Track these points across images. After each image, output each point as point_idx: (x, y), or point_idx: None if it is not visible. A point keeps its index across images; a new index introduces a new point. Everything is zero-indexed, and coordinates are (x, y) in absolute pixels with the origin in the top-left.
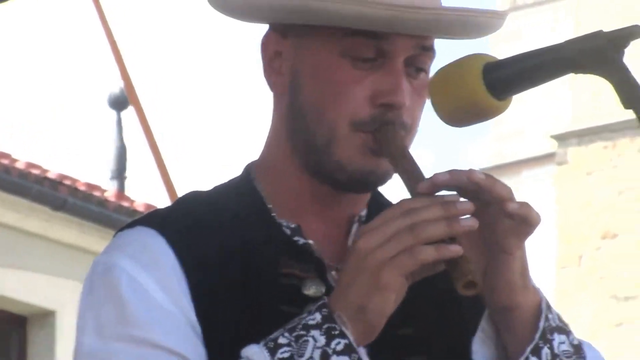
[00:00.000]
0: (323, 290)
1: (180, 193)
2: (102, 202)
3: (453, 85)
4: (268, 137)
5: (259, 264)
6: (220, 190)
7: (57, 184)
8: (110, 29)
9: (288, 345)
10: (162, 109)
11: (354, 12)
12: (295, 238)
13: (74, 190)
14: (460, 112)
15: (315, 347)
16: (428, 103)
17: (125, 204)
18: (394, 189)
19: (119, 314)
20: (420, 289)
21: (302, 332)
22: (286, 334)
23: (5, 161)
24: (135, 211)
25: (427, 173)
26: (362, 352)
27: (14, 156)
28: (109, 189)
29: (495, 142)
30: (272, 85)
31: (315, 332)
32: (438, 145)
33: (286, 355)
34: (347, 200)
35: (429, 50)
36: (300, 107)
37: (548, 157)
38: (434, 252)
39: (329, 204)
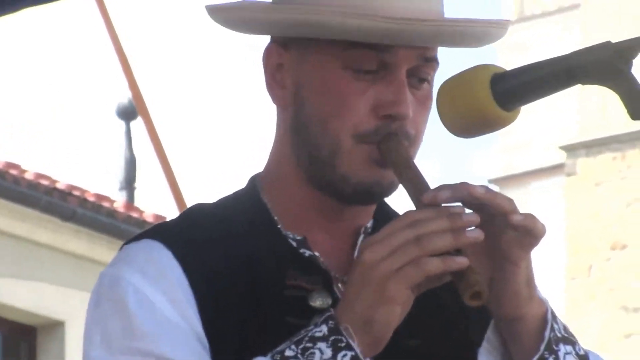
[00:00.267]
0: (330, 302)
1: (189, 204)
2: (112, 213)
3: (460, 96)
4: (272, 150)
5: (265, 276)
6: (226, 203)
7: (66, 194)
8: (118, 39)
9: (295, 357)
10: (171, 120)
11: (356, 25)
12: (302, 250)
13: (83, 201)
14: (468, 123)
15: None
16: (434, 113)
17: (135, 214)
18: (401, 200)
19: (126, 327)
20: (426, 300)
21: (309, 345)
22: (293, 347)
23: (15, 172)
24: (144, 222)
25: (433, 184)
26: None
27: (23, 167)
28: (118, 200)
29: (504, 153)
30: (275, 98)
31: (321, 345)
32: (444, 156)
33: None
34: (352, 212)
35: (431, 61)
36: (303, 120)
37: (557, 168)
38: (440, 264)
39: (335, 216)
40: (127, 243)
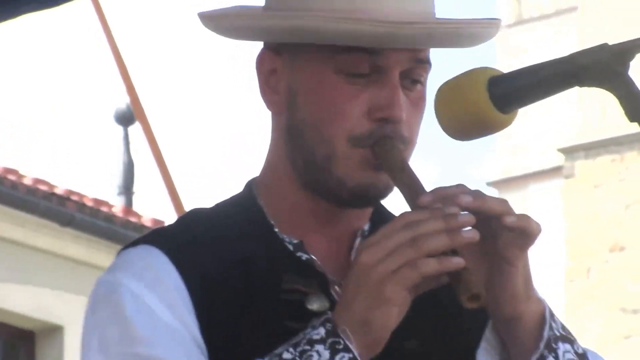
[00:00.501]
0: (327, 305)
1: (187, 208)
2: (110, 218)
3: (458, 99)
4: (268, 155)
5: (263, 280)
6: (223, 207)
7: (64, 199)
8: (116, 44)
9: None
10: (169, 124)
11: (347, 30)
12: (298, 254)
13: (81, 206)
14: (465, 126)
15: None
16: (432, 116)
17: (133, 219)
18: (398, 202)
19: (124, 333)
20: (423, 301)
21: (307, 347)
22: (290, 349)
23: (13, 177)
24: (143, 226)
25: (431, 187)
26: None
27: (21, 172)
28: (117, 205)
29: (502, 156)
30: (269, 103)
31: (319, 347)
32: (443, 159)
33: None
34: (349, 215)
35: (424, 63)
36: (297, 125)
37: (555, 171)
38: (436, 265)
39: (331, 220)
40: (124, 249)
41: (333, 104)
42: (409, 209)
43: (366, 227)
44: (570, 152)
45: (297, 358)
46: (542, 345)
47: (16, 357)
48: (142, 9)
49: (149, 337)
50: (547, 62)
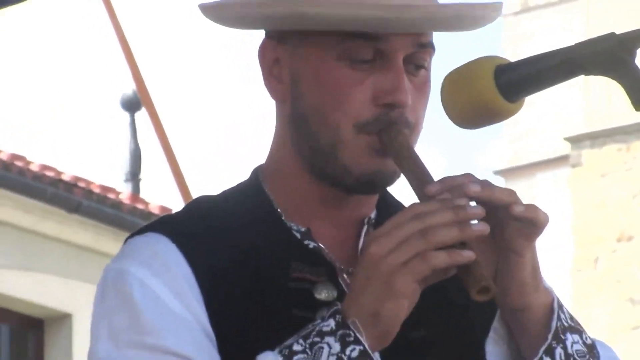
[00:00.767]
0: (335, 294)
1: (194, 195)
2: (117, 205)
3: (465, 87)
4: (273, 142)
5: (270, 268)
6: (230, 195)
7: (71, 186)
8: (122, 31)
9: (303, 352)
10: (175, 111)
11: (349, 15)
12: (306, 242)
13: (88, 192)
14: (472, 115)
15: (330, 354)
16: (439, 105)
17: (140, 206)
18: (403, 190)
19: (132, 321)
20: (431, 291)
21: (317, 339)
22: (300, 341)
23: (20, 163)
24: (150, 213)
25: (438, 176)
26: (377, 357)
27: (28, 158)
28: (124, 191)
29: (509, 145)
30: (273, 92)
31: (329, 339)
32: (449, 148)
33: None
34: (355, 203)
35: (427, 47)
36: (302, 113)
37: (562, 160)
38: (446, 258)
39: (338, 207)
40: (131, 236)
41: (337, 91)
42: (415, 196)
43: (373, 214)
44: (576, 141)
45: (307, 350)
46: (550, 336)
47: (25, 345)
48: None
49: (157, 325)
50: (553, 50)
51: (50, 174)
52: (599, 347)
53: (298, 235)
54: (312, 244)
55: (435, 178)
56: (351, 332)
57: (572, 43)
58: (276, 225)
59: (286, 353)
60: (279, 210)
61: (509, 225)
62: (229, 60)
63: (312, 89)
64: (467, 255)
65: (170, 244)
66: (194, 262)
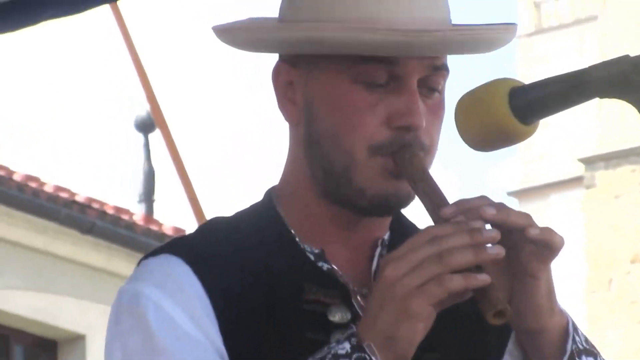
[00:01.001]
0: (349, 316)
1: (208, 216)
2: (130, 226)
3: (479, 109)
4: (286, 164)
5: (284, 290)
6: (243, 216)
7: (85, 207)
8: (136, 53)
9: None
10: (189, 132)
11: (364, 40)
12: (320, 263)
13: (102, 213)
14: (486, 137)
15: None
16: (453, 127)
17: (154, 227)
18: (417, 211)
19: (146, 343)
20: (445, 312)
21: None
22: None
23: (34, 184)
24: (163, 234)
25: (451, 196)
26: None
27: (42, 179)
28: (137, 213)
29: (522, 166)
30: (287, 115)
31: None
32: (463, 169)
33: None
34: (369, 224)
35: (441, 69)
36: (316, 136)
37: (576, 181)
38: (462, 282)
39: (351, 229)
40: (144, 258)
41: (351, 114)
42: (428, 218)
43: (386, 236)
44: (590, 162)
45: None
46: (565, 358)
47: None
48: (162, 18)
49: (171, 347)
50: (567, 73)
51: (64, 195)
52: None
53: (312, 257)
54: (325, 266)
55: (450, 199)
56: (366, 356)
57: (585, 65)
58: (290, 246)
59: None
60: (292, 231)
61: (524, 248)
62: (244, 81)
63: (325, 111)
64: (483, 278)
65: (184, 265)
66: (207, 283)
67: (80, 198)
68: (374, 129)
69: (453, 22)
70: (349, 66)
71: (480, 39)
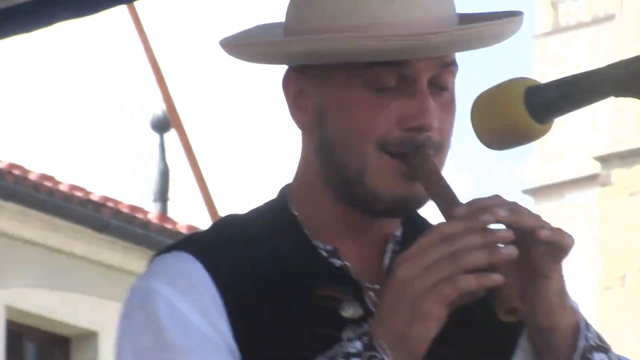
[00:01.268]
0: (361, 311)
1: (222, 214)
2: (145, 224)
3: (495, 109)
4: (299, 167)
5: (296, 286)
6: (256, 214)
7: (100, 206)
8: (153, 53)
9: None
10: (204, 131)
11: (370, 48)
12: (332, 260)
13: (117, 212)
14: (502, 136)
15: None
16: (466, 125)
17: (168, 225)
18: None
19: (158, 340)
20: (458, 308)
21: None
22: None
23: (49, 184)
24: (178, 233)
25: (467, 194)
26: None
27: (57, 178)
28: (152, 211)
29: (538, 164)
30: (299, 122)
31: None
32: (478, 166)
33: None
34: (381, 222)
35: (450, 66)
36: (329, 142)
37: (591, 179)
38: (475, 282)
39: (364, 228)
40: (157, 255)
41: (362, 119)
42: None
43: (398, 232)
44: (606, 160)
45: None
46: (576, 356)
47: None
48: (178, 17)
49: (183, 345)
50: (583, 72)
51: (79, 194)
52: None
53: (324, 253)
54: (338, 262)
55: (466, 197)
56: (378, 355)
57: (602, 64)
58: (302, 243)
59: None
60: (305, 229)
61: (535, 249)
62: (260, 82)
63: (336, 118)
64: (496, 278)
65: (196, 262)
66: (219, 280)
67: (95, 197)
68: (385, 131)
69: (459, 12)
70: (358, 72)
71: (486, 35)
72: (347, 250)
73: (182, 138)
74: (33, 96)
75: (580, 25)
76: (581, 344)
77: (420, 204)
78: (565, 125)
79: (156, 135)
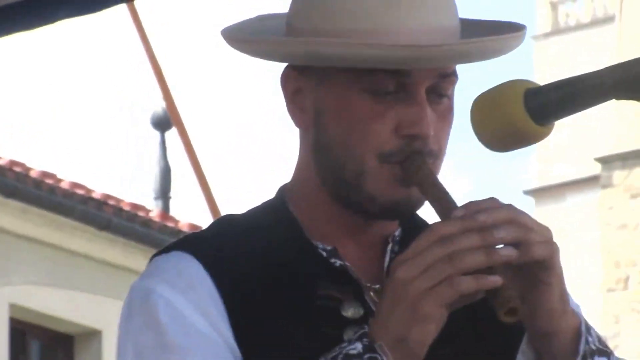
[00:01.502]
0: (361, 311)
1: (223, 212)
2: (147, 222)
3: (494, 110)
4: (297, 167)
5: (297, 286)
6: (255, 213)
7: (101, 204)
8: (152, 51)
9: None
10: (205, 129)
11: (369, 55)
12: (332, 260)
13: (118, 210)
14: (502, 138)
15: None
16: (468, 127)
17: (170, 224)
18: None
19: (158, 340)
20: (458, 310)
21: None
22: None
23: (50, 181)
24: (179, 231)
25: (468, 195)
26: None
27: (59, 176)
28: (153, 209)
29: (539, 165)
30: (296, 121)
31: None
32: (479, 168)
33: None
34: (380, 224)
35: (450, 76)
36: (326, 143)
37: (592, 180)
38: (473, 283)
39: (362, 229)
40: (156, 255)
41: (361, 123)
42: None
43: (397, 232)
44: (607, 161)
45: None
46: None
47: None
48: (179, 15)
49: (183, 345)
50: (583, 74)
51: (80, 191)
52: None
53: (324, 253)
54: (338, 263)
55: (465, 200)
56: (378, 356)
57: (602, 66)
58: (302, 244)
59: None
60: (304, 229)
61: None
62: (261, 80)
63: (335, 120)
64: (494, 280)
65: (195, 262)
66: (219, 280)
67: (96, 195)
68: (384, 138)
69: (462, 17)
70: (357, 76)
71: (487, 49)
72: (347, 251)
73: (182, 136)
74: (34, 94)
75: (579, 26)
76: (582, 347)
77: (416, 207)
78: (567, 126)
79: (157, 133)
